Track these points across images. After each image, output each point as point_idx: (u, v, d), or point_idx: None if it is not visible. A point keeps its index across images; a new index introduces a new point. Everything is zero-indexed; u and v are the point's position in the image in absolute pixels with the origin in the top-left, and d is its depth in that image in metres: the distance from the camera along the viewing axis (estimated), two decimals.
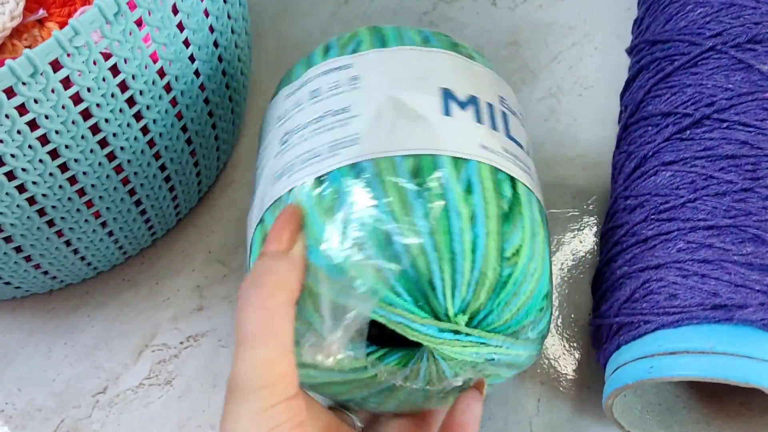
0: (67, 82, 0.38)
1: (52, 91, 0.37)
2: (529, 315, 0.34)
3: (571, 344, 0.47)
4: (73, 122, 0.39)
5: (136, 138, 0.43)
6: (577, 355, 0.46)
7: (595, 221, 0.51)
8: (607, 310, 0.39)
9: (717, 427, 0.41)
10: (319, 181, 0.35)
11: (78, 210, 0.44)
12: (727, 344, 0.34)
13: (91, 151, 0.41)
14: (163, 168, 0.47)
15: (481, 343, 0.33)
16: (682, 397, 0.42)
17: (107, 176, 0.43)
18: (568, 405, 0.45)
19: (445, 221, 0.32)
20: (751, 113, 0.39)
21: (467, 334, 0.33)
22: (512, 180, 0.35)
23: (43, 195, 0.41)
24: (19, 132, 0.37)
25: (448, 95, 0.37)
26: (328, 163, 0.35)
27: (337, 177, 0.34)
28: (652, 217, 0.39)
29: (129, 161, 0.44)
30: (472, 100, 0.37)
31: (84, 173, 0.42)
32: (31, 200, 0.41)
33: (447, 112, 0.36)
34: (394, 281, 0.32)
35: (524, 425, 0.45)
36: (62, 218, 0.43)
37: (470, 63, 0.40)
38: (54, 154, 0.40)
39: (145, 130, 0.43)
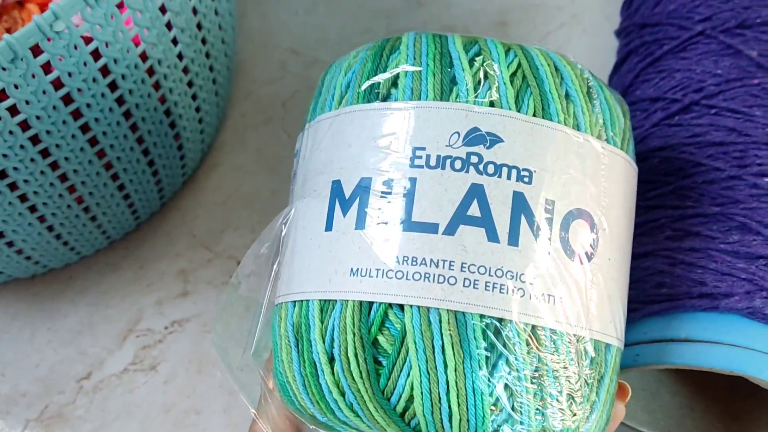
0: (47, 67, 0.37)
1: (33, 76, 0.37)
2: None
3: None
4: (54, 107, 0.38)
5: (119, 123, 0.42)
6: None
7: None
8: None
9: (700, 412, 0.42)
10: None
11: (60, 195, 0.43)
12: (712, 332, 0.35)
13: (73, 136, 0.40)
14: (146, 152, 0.46)
15: None
16: (666, 383, 0.43)
17: (89, 161, 0.42)
18: None
19: None
20: (739, 99, 0.39)
21: None
22: None
23: (25, 181, 0.40)
24: None
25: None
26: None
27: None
28: (640, 203, 0.39)
29: (112, 146, 0.43)
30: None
31: (66, 159, 0.41)
32: (13, 186, 0.40)
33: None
34: None
35: None
36: (44, 204, 0.43)
37: None
38: (35, 139, 0.39)
39: (128, 115, 0.43)
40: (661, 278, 0.36)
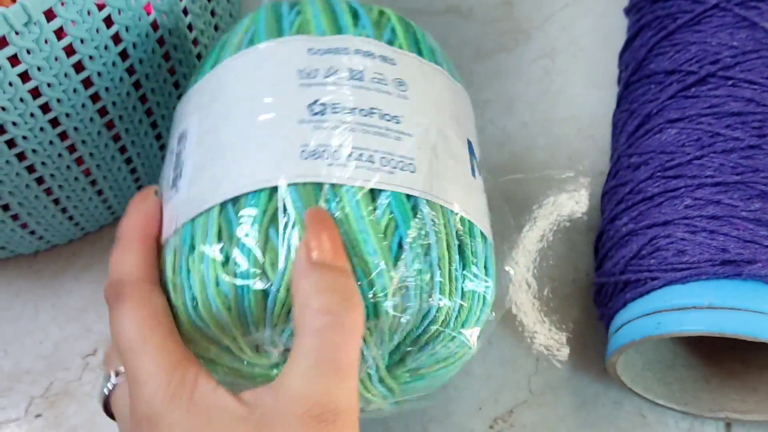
0: (60, 33, 0.36)
1: (46, 41, 0.36)
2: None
3: (569, 304, 0.47)
4: (65, 75, 0.38)
5: (128, 93, 0.42)
6: (575, 315, 0.46)
7: (591, 182, 0.50)
8: (612, 268, 0.39)
9: (716, 385, 0.42)
10: (372, 195, 0.31)
11: (68, 167, 0.42)
12: (735, 299, 0.34)
13: (83, 105, 0.40)
14: (154, 125, 0.45)
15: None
16: (681, 356, 0.42)
17: (98, 132, 0.42)
18: (567, 364, 0.45)
19: None
20: (756, 71, 0.39)
21: None
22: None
23: (33, 150, 0.40)
24: (10, 84, 0.36)
25: (471, 151, 0.36)
26: (384, 178, 0.31)
27: (395, 203, 0.31)
28: (658, 174, 0.39)
29: (121, 117, 0.42)
30: (474, 155, 0.37)
31: (75, 128, 0.40)
32: (21, 156, 0.40)
33: (473, 173, 0.35)
34: None
35: (523, 384, 0.45)
36: (51, 175, 0.42)
37: (467, 97, 0.39)
38: (45, 108, 0.38)
39: (137, 85, 0.42)
40: (683, 246, 0.36)
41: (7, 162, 0.39)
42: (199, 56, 0.46)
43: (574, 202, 0.50)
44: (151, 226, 0.34)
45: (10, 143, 0.39)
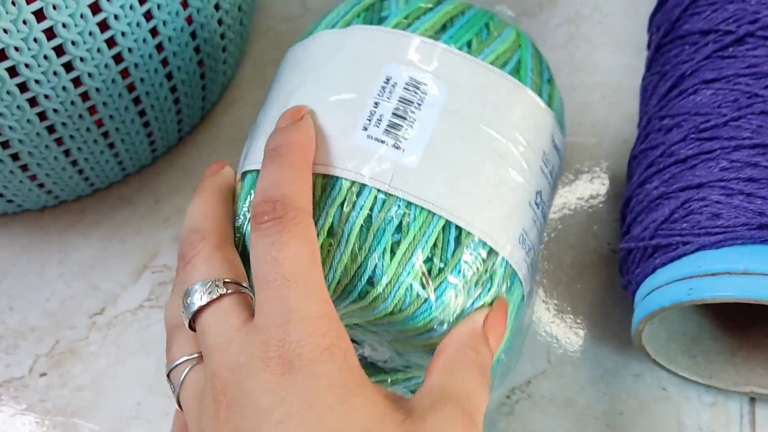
0: None
1: None
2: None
3: (590, 274, 0.45)
4: (81, 16, 0.36)
5: (144, 40, 0.40)
6: (594, 285, 0.45)
7: (615, 150, 0.49)
8: (641, 233, 0.37)
9: (742, 358, 0.40)
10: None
11: (80, 116, 0.41)
12: None
13: (98, 50, 0.38)
14: (169, 76, 0.44)
15: None
16: (707, 328, 0.41)
17: (113, 80, 0.40)
18: (587, 335, 0.44)
19: None
20: None
21: None
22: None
23: (46, 96, 0.38)
24: (24, 22, 0.35)
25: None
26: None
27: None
28: (692, 136, 0.37)
29: (136, 65, 0.41)
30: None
31: (89, 75, 0.39)
32: (33, 101, 0.38)
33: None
34: None
35: (541, 354, 0.43)
36: (63, 124, 0.41)
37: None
38: (59, 50, 0.37)
39: (154, 32, 0.41)
40: (717, 209, 0.35)
41: (19, 107, 0.38)
42: (217, 7, 0.44)
43: (597, 169, 0.48)
44: (311, 151, 0.31)
45: (22, 87, 0.37)
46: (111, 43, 0.39)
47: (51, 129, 0.41)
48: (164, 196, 0.49)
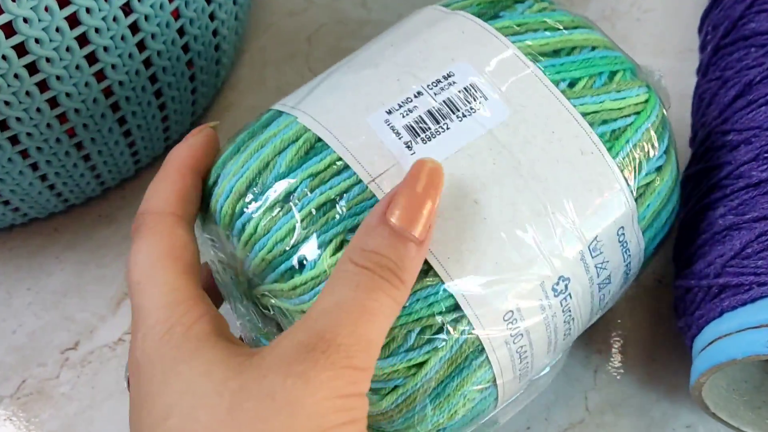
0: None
1: None
2: None
3: (634, 309, 0.40)
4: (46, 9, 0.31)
5: (123, 37, 0.35)
6: (640, 322, 0.40)
7: None
8: (704, 269, 0.32)
9: None
10: None
11: (49, 126, 0.35)
12: None
13: (68, 48, 0.33)
14: (154, 79, 0.38)
15: None
16: None
17: (86, 84, 0.35)
18: (630, 378, 0.39)
19: None
20: None
21: None
22: None
23: (6, 103, 0.33)
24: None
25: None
26: None
27: None
28: (766, 155, 0.32)
29: (114, 66, 0.35)
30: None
31: (57, 77, 0.33)
32: None
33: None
34: None
35: (579, 400, 0.38)
36: (29, 135, 0.35)
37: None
38: (21, 50, 0.31)
39: (135, 28, 0.35)
40: None
41: None
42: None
43: None
44: (195, 158, 0.31)
45: None
46: (83, 41, 0.33)
47: (14, 140, 0.35)
48: None
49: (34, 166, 0.37)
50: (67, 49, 0.33)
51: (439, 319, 0.27)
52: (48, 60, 0.32)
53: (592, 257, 0.29)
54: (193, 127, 0.46)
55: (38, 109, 0.34)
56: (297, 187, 0.28)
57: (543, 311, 0.29)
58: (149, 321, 0.27)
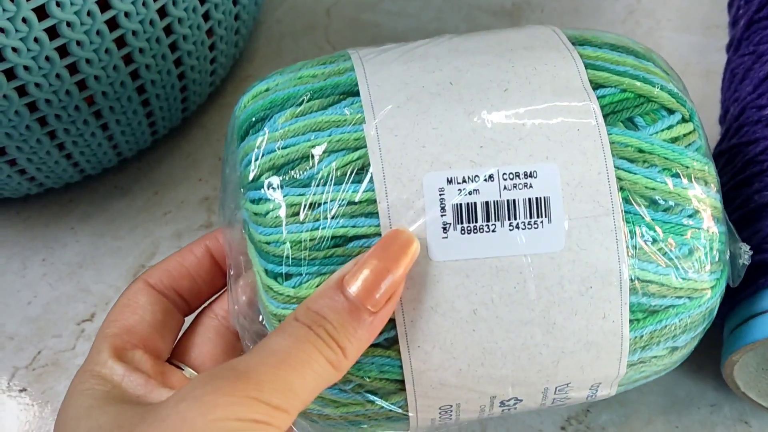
0: None
1: None
2: None
3: None
4: None
5: (144, 3, 0.34)
6: None
7: None
8: None
9: None
10: None
11: (68, 93, 0.35)
12: None
13: (89, 13, 0.32)
14: (173, 47, 0.37)
15: None
16: None
17: (106, 50, 0.34)
18: None
19: None
20: None
21: None
22: None
23: (25, 68, 0.32)
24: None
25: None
26: None
27: None
28: None
29: (134, 33, 0.35)
30: None
31: (78, 43, 0.33)
32: (10, 73, 0.32)
33: None
34: None
35: None
36: (47, 101, 0.34)
37: None
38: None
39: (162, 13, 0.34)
40: None
41: None
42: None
43: None
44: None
45: None
46: (104, 5, 0.32)
47: (33, 107, 0.34)
48: (165, 187, 0.43)
49: (52, 134, 0.37)
50: (88, 14, 0.32)
51: (379, 384, 0.27)
52: (69, 24, 0.32)
53: (555, 394, 0.29)
54: (211, 99, 0.45)
55: (58, 76, 0.33)
56: (324, 203, 0.26)
57: (481, 412, 0.29)
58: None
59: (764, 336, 0.29)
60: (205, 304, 0.32)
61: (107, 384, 0.27)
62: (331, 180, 0.26)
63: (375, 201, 0.26)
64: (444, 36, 0.30)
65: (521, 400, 0.29)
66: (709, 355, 0.37)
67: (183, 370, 0.29)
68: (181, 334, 0.31)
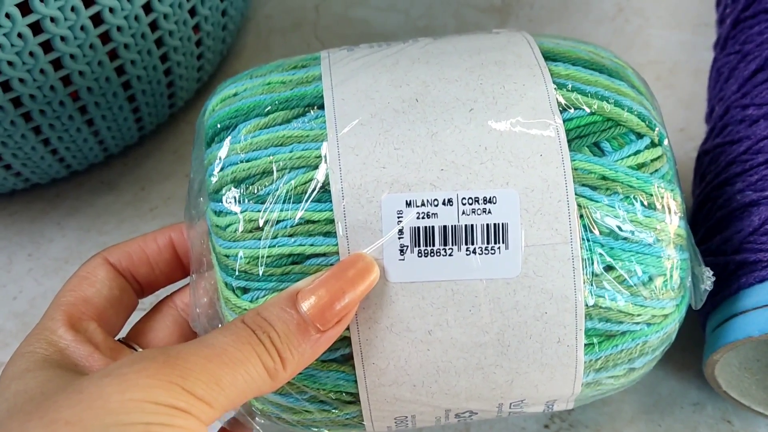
0: None
1: None
2: None
3: None
4: None
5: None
6: None
7: (671, 138, 0.43)
8: (721, 246, 0.31)
9: None
10: None
11: (52, 88, 0.34)
12: None
13: (72, 8, 0.32)
14: (159, 43, 0.37)
15: None
16: None
17: (91, 46, 0.34)
18: None
19: None
20: None
21: None
22: None
23: (9, 63, 0.32)
24: None
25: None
26: None
27: None
28: None
29: (119, 28, 0.34)
30: None
31: (62, 38, 0.33)
32: None
33: None
34: None
35: None
36: (32, 97, 0.34)
37: None
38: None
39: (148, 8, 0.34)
40: None
41: None
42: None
43: None
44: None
45: None
46: (89, 1, 0.32)
47: (17, 102, 0.34)
48: (152, 182, 0.43)
49: (37, 130, 0.37)
50: (72, 9, 0.32)
51: (334, 396, 0.28)
52: (52, 20, 0.32)
53: (510, 408, 0.29)
54: (198, 95, 0.45)
55: (42, 71, 0.33)
56: (282, 221, 0.26)
57: (437, 422, 0.29)
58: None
59: (745, 335, 0.30)
60: (169, 293, 0.32)
61: (50, 349, 0.27)
62: (290, 198, 0.26)
63: (333, 221, 0.26)
64: (419, 41, 0.30)
65: (476, 413, 0.29)
66: (693, 354, 0.37)
67: (136, 351, 0.29)
68: (140, 317, 0.31)
